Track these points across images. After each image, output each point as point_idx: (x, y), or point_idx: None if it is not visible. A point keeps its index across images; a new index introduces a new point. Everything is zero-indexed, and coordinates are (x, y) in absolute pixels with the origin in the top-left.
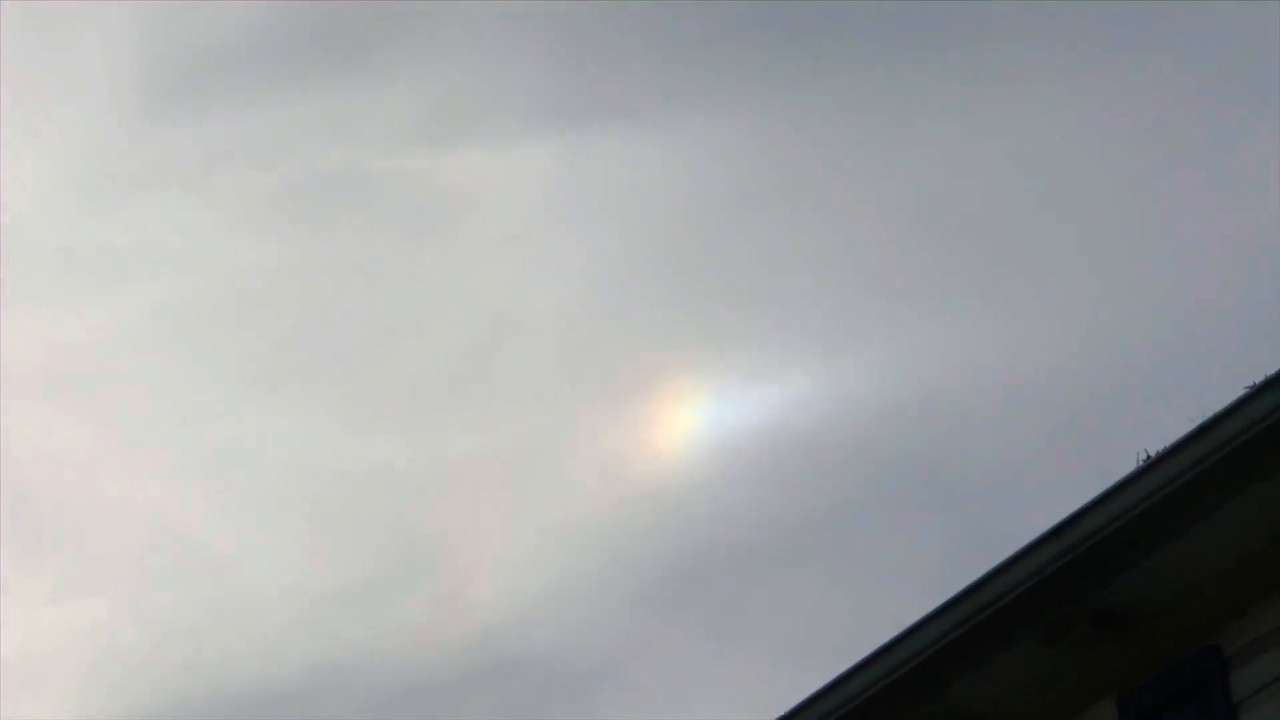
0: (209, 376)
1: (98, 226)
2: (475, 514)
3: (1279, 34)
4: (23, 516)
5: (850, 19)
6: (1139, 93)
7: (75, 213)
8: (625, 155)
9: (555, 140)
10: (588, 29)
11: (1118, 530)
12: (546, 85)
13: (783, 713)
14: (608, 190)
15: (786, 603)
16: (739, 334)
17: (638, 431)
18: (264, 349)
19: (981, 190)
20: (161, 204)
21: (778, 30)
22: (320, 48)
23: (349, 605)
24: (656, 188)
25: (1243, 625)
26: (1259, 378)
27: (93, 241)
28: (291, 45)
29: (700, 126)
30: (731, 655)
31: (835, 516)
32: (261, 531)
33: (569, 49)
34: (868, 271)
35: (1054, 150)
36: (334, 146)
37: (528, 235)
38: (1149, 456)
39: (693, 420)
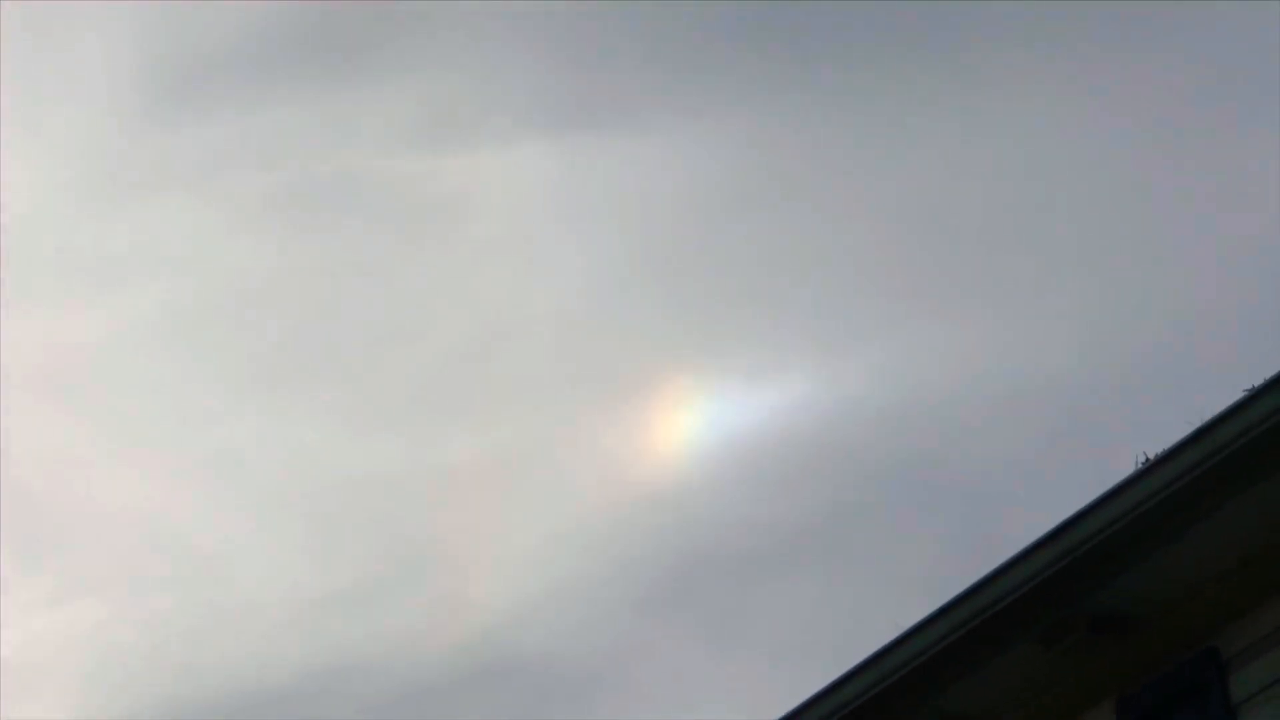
0: (208, 378)
1: (97, 228)
2: (474, 516)
3: (1279, 34)
4: (21, 518)
5: (850, 20)
6: (1139, 93)
7: (74, 214)
8: (624, 157)
9: (554, 142)
10: (586, 31)
11: (1116, 533)
12: (545, 87)
13: (781, 715)
14: (607, 192)
15: (785, 605)
16: (738, 336)
17: (637, 433)
18: (263, 351)
19: (981, 192)
20: (161, 205)
21: (776, 31)
22: (320, 50)
23: (347, 607)
24: (655, 189)
25: (1241, 628)
26: (1258, 380)
27: (92, 243)
28: (291, 47)
29: (699, 128)
30: (730, 657)
31: (834, 519)
32: (259, 533)
33: (567, 51)
34: (867, 273)
35: (1053, 151)
36: (333, 148)
37: (527, 237)
38: (1148, 459)
39: (692, 422)
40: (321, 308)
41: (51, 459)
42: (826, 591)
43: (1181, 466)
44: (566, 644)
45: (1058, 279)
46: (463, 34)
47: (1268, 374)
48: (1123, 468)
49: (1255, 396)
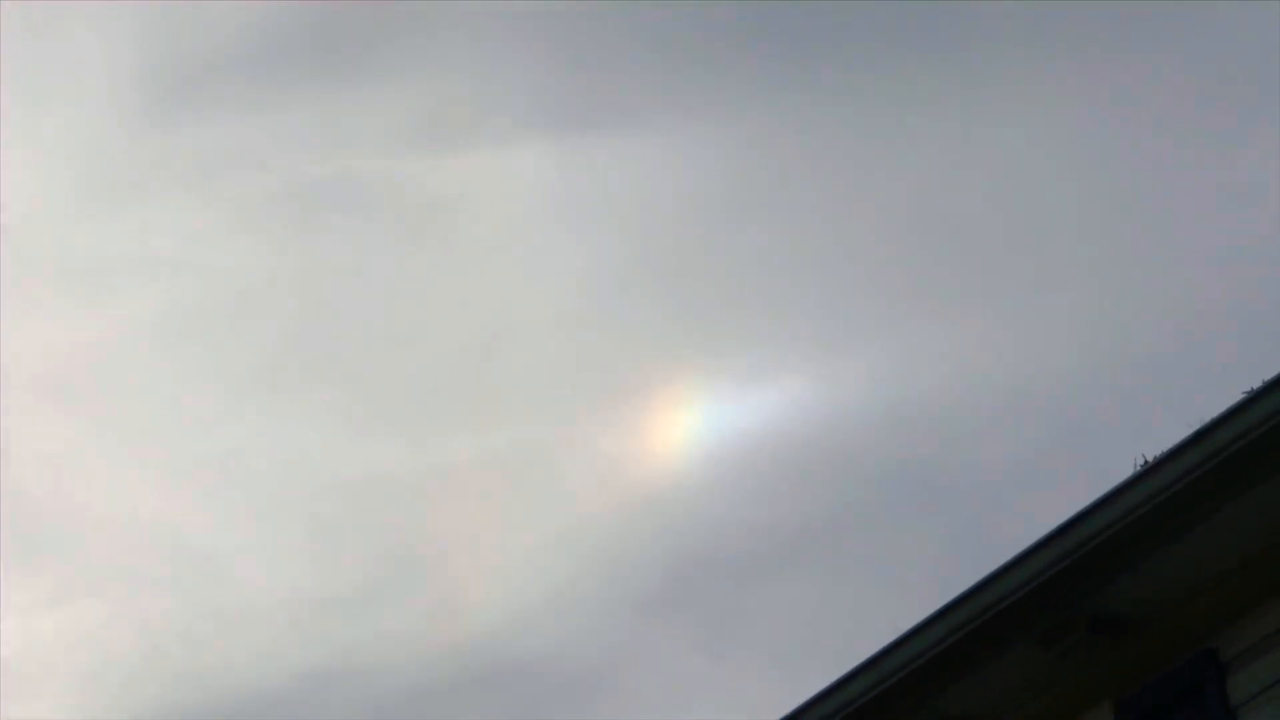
0: (207, 380)
1: (96, 229)
2: (472, 519)
3: (1279, 34)
4: (21, 520)
5: (849, 21)
6: (1139, 93)
7: (74, 214)
8: (622, 158)
9: (552, 143)
10: (584, 31)
11: (1116, 535)
12: (543, 88)
13: (781, 716)
14: (605, 193)
15: (784, 607)
16: (737, 338)
17: (635, 436)
18: (262, 353)
19: (980, 193)
20: (160, 207)
21: (775, 32)
22: (318, 51)
23: (346, 610)
24: (653, 191)
25: (1240, 629)
26: (1257, 382)
27: (91, 244)
28: (290, 48)
29: (697, 129)
30: (729, 659)
31: (833, 521)
32: (259, 536)
33: (565, 51)
34: (866, 275)
35: (1053, 152)
36: (332, 150)
37: (525, 239)
38: (1146, 461)
39: (690, 424)
40: (321, 308)
41: (51, 460)
42: (826, 593)
43: (1181, 468)
44: (566, 645)
45: (1058, 280)
46: (463, 34)
47: (1267, 376)
48: (1122, 469)
49: (1255, 398)
